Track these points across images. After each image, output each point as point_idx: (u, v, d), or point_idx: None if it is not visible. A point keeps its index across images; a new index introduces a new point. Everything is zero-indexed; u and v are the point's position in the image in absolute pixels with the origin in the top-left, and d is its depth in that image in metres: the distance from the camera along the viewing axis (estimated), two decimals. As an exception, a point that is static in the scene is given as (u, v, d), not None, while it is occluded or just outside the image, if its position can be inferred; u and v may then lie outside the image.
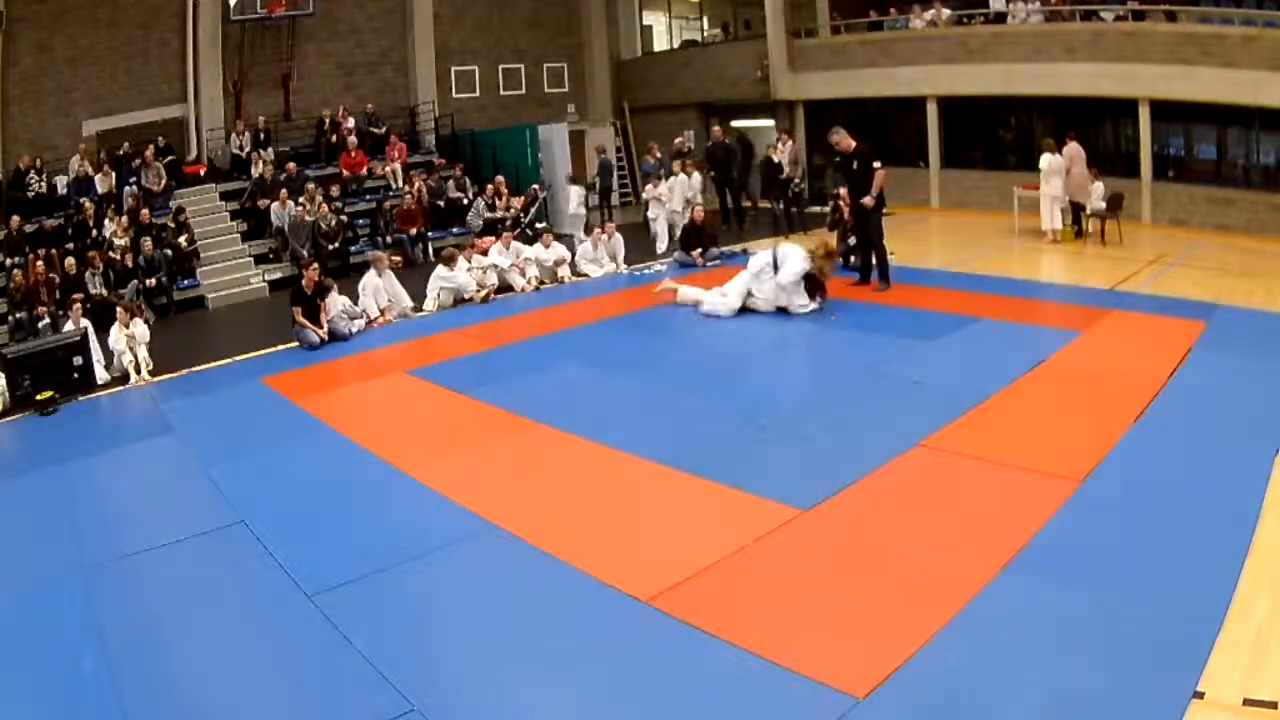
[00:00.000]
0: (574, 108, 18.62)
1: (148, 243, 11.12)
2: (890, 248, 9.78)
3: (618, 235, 11.44)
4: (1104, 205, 11.05)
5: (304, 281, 8.75)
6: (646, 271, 10.77)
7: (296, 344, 8.58)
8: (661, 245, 12.38)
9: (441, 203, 13.84)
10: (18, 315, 9.67)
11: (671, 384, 6.69)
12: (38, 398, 7.22)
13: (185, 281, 11.55)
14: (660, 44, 19.92)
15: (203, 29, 14.10)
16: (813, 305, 8.23)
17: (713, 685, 3.11)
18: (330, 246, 12.12)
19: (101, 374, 7.93)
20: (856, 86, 15.33)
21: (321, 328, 8.61)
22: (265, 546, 4.40)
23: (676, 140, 14.17)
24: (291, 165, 13.37)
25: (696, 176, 13.13)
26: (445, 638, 3.58)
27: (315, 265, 9.06)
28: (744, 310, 8.38)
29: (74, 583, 4.21)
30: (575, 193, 13.78)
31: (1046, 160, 10.92)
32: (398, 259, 12.39)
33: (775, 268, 8.20)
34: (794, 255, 8.16)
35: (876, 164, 8.59)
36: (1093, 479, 4.45)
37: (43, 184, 12.09)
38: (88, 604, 3.99)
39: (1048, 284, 9.27)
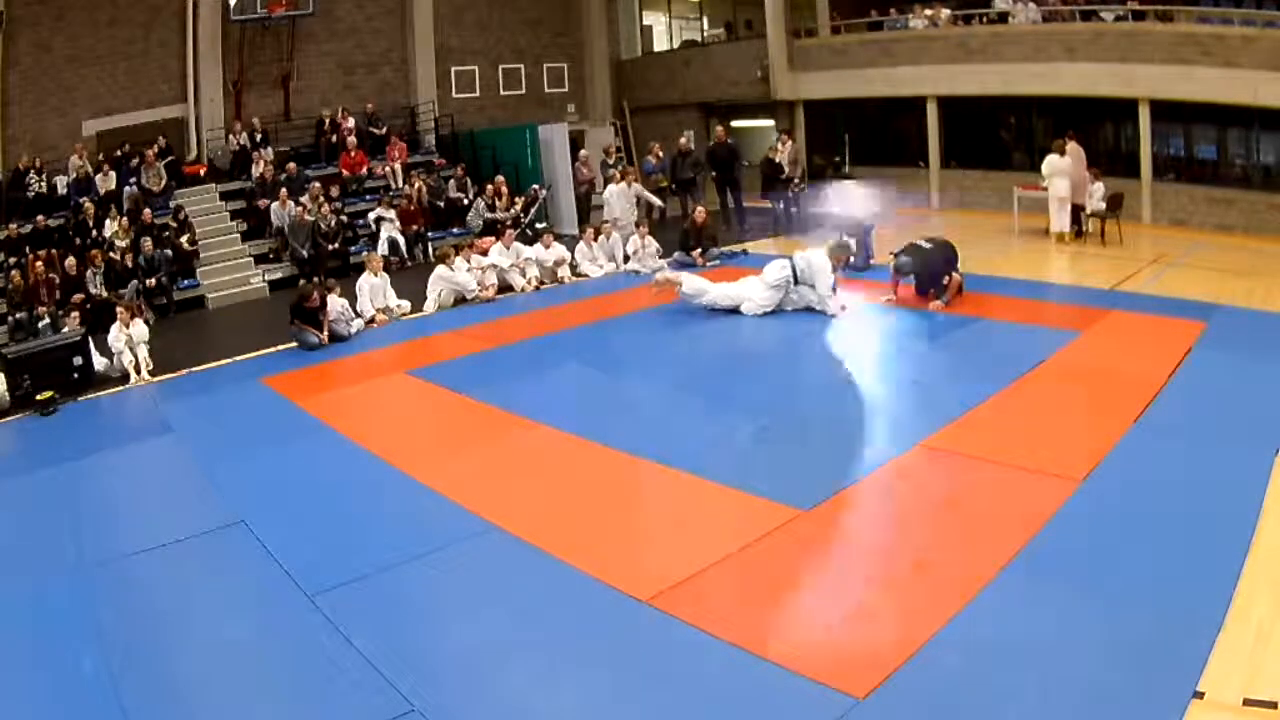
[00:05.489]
0: (574, 108, 18.60)
1: (148, 243, 11.11)
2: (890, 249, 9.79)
3: (615, 235, 11.44)
4: (1104, 205, 11.04)
5: (306, 303, 8.52)
6: (646, 271, 10.74)
7: (296, 344, 8.57)
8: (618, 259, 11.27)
9: (441, 203, 13.84)
10: (18, 315, 9.66)
11: (672, 384, 6.70)
12: (38, 398, 7.21)
13: (185, 281, 11.54)
14: (660, 44, 19.89)
15: (203, 29, 14.09)
16: (840, 305, 8.12)
17: (713, 685, 3.11)
18: (330, 246, 12.12)
19: (100, 361, 7.95)
20: (857, 86, 15.31)
21: (322, 331, 8.58)
22: (265, 546, 4.40)
23: (681, 140, 14.15)
24: (291, 165, 13.36)
25: (636, 186, 12.21)
26: (445, 638, 3.59)
27: (317, 293, 8.67)
28: (736, 310, 8.36)
29: (74, 582, 4.21)
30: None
31: (1049, 162, 10.93)
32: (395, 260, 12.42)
33: (795, 278, 8.17)
34: (822, 267, 8.08)
35: None
36: (1093, 479, 4.45)
37: (43, 184, 12.08)
38: (88, 604, 3.99)
39: (1048, 284, 9.25)
